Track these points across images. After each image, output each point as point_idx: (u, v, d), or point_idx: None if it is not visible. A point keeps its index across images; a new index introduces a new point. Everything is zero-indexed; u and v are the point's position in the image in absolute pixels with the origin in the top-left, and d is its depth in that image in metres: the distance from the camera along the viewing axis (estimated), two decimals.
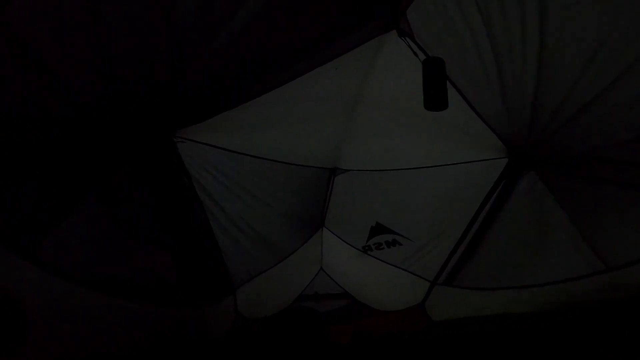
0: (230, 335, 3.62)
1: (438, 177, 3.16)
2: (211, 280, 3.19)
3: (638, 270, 2.45)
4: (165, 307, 2.83)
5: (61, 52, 1.61)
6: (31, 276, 2.09)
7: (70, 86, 1.76)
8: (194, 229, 2.87)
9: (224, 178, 2.84)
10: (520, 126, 2.45)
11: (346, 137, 3.05)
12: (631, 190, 2.41)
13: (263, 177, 3.06)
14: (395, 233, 3.63)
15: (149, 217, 2.57)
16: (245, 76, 2.18)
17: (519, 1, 1.82)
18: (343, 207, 3.77)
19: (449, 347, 3.12)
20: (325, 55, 2.21)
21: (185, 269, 2.84)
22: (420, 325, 3.88)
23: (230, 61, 1.98)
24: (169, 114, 2.23)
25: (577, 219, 2.73)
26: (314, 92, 2.50)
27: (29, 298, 2.08)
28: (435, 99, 2.00)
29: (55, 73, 1.68)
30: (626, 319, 2.43)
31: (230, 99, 2.29)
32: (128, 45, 1.65)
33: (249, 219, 3.18)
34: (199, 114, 2.33)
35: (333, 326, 4.17)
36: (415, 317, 3.93)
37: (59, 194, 2.15)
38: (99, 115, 1.98)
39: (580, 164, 2.52)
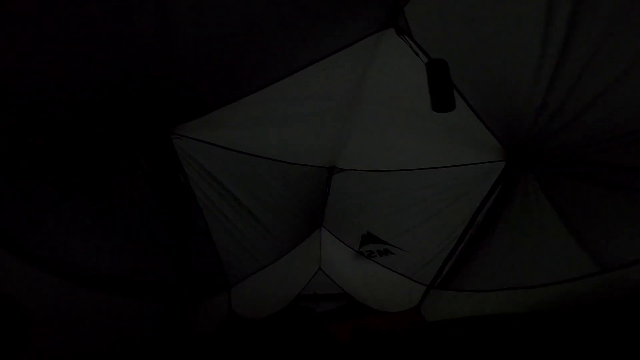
0: (228, 334, 3.61)
1: (434, 180, 3.13)
2: (205, 277, 3.17)
3: (632, 272, 2.45)
4: (163, 304, 2.83)
5: (57, 49, 1.60)
6: (31, 278, 2.09)
7: (64, 81, 1.75)
8: (189, 226, 2.86)
9: (221, 176, 2.83)
10: (520, 128, 2.42)
11: (344, 136, 3.03)
12: (626, 192, 2.39)
13: (260, 175, 3.04)
14: (387, 244, 3.64)
15: (144, 214, 2.56)
16: (239, 72, 2.16)
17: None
18: (340, 207, 3.74)
19: (447, 346, 3.12)
20: (320, 52, 2.19)
21: (179, 265, 2.83)
22: (419, 324, 3.88)
23: (224, 57, 1.97)
24: (164, 110, 2.22)
25: (571, 222, 2.71)
26: (311, 90, 2.48)
27: (30, 300, 2.09)
28: (442, 101, 1.99)
29: (51, 69, 1.67)
30: (624, 320, 2.43)
31: (225, 94, 2.27)
32: (119, 39, 1.64)
33: (246, 217, 3.16)
34: (193, 110, 2.31)
35: (332, 324, 4.17)
36: (414, 316, 3.93)
37: (53, 191, 2.14)
38: (93, 111, 1.97)
39: (577, 166, 2.50)
